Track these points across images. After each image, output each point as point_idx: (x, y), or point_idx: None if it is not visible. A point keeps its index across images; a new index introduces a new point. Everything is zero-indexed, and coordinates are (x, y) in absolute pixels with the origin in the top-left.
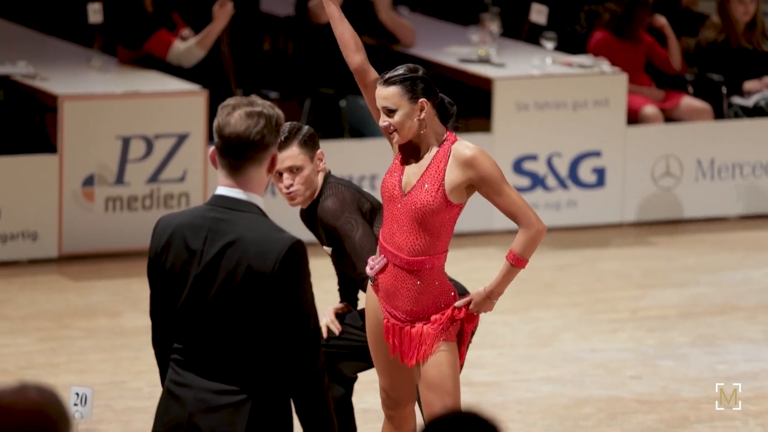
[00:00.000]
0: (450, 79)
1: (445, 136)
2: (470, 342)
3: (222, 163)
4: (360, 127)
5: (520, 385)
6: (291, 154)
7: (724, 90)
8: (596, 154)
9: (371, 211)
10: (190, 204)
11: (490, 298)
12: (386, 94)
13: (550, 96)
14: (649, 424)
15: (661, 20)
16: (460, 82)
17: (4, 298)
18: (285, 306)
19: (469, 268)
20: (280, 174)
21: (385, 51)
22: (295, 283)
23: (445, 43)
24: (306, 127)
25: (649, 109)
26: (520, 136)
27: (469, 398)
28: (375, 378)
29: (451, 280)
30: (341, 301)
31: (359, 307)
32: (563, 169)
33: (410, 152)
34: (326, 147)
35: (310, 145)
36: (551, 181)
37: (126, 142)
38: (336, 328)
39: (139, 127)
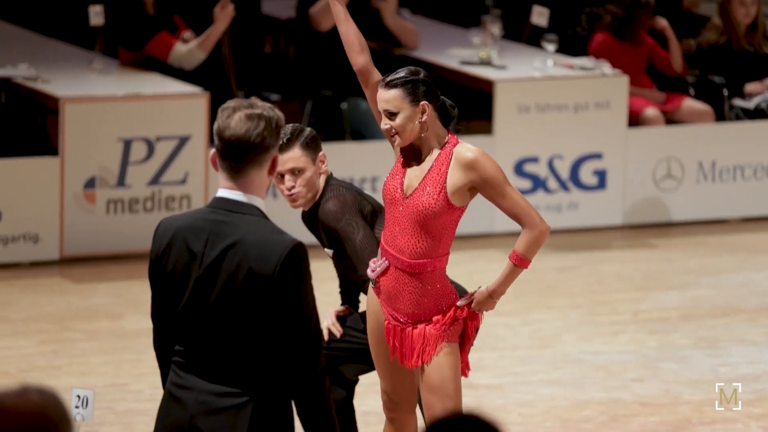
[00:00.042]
0: (451, 81)
1: (447, 138)
2: (474, 338)
3: (223, 166)
4: (361, 130)
5: (521, 388)
6: (293, 156)
7: (725, 92)
8: (597, 156)
9: (372, 214)
10: (191, 206)
11: (492, 297)
12: (387, 97)
13: (551, 98)
14: (650, 426)
15: (662, 22)
16: (461, 85)
17: (5, 300)
18: (286, 308)
19: (471, 270)
20: (282, 176)
21: (387, 55)
22: (296, 285)
23: (447, 46)
24: (308, 129)
25: (650, 111)
26: (521, 138)
27: (471, 401)
28: (376, 381)
29: (453, 282)
30: (342, 304)
31: (360, 310)
32: (564, 172)
33: (412, 155)
34: (327, 149)
35: (312, 147)
36: (552, 183)
37: (127, 145)
38: (337, 331)
39: (141, 129)
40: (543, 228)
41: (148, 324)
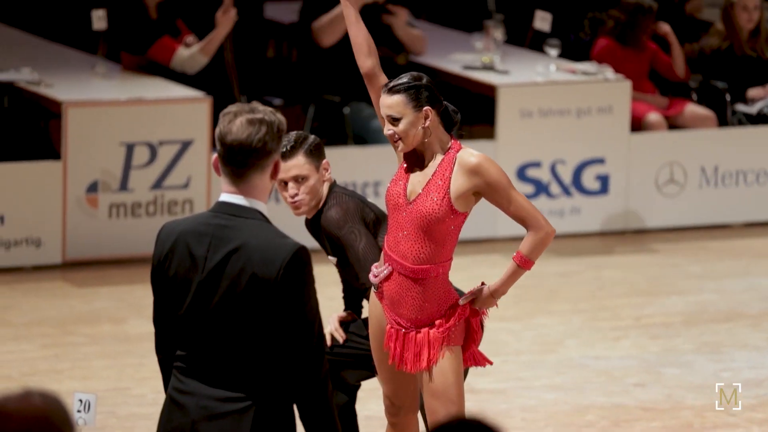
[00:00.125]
0: (454, 86)
1: (450, 144)
2: (482, 333)
3: (225, 171)
4: (363, 134)
5: (524, 393)
6: (296, 164)
7: (728, 97)
8: (600, 161)
9: (375, 222)
10: (193, 210)
11: (493, 297)
12: (390, 103)
13: (553, 103)
14: (653, 431)
15: (665, 27)
16: (463, 89)
17: (7, 304)
18: (289, 312)
19: (474, 275)
20: (285, 183)
21: (390, 62)
22: (300, 289)
23: (449, 51)
24: (312, 137)
25: (653, 117)
26: (523, 143)
27: (473, 405)
28: (378, 385)
29: (455, 288)
30: (345, 309)
31: (363, 316)
32: (567, 176)
33: (415, 160)
34: (330, 154)
35: (316, 154)
36: (555, 188)
37: (130, 149)
38: (340, 336)
39: (143, 133)
40: (548, 230)
41: (151, 328)
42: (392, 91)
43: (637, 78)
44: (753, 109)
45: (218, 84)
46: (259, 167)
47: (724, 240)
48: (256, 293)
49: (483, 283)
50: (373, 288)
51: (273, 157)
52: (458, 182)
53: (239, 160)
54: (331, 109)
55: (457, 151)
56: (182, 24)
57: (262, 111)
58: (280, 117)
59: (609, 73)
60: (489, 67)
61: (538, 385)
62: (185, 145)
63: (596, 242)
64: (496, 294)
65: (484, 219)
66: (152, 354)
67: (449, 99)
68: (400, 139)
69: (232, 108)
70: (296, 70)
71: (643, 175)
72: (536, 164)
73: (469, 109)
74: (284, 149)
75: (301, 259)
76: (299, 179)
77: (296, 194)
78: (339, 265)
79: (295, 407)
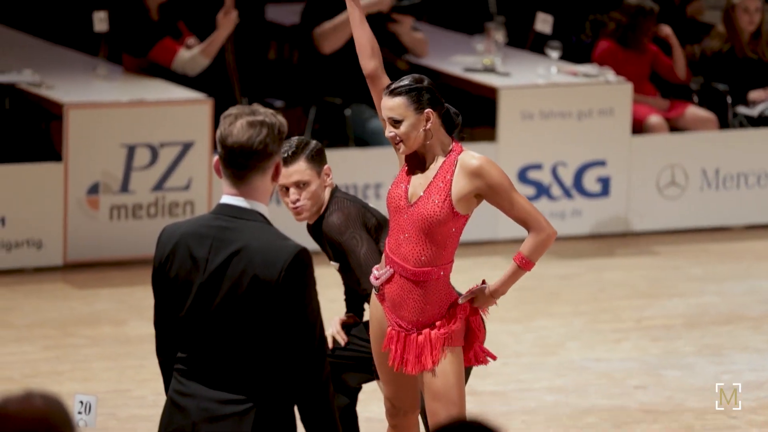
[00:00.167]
0: (455, 88)
1: (451, 146)
2: (485, 330)
3: (226, 173)
4: (364, 136)
5: (525, 395)
6: (298, 169)
7: (729, 99)
8: (601, 163)
9: (377, 227)
10: (194, 212)
11: (492, 296)
12: (392, 105)
13: (555, 105)
14: None
15: (666, 30)
16: (464, 92)
17: (9, 305)
18: (290, 314)
19: (475, 277)
20: (287, 189)
21: (390, 66)
22: (301, 291)
23: (450, 53)
24: (314, 142)
25: (654, 119)
26: (524, 145)
27: (474, 407)
28: (379, 387)
29: (457, 291)
30: (347, 312)
31: (365, 319)
32: (568, 179)
33: (416, 163)
34: (331, 156)
35: (317, 160)
36: (556, 190)
37: (131, 151)
38: (342, 339)
39: (144, 135)
40: (550, 232)
41: (151, 330)
42: (393, 93)
43: (638, 80)
44: (754, 112)
45: (219, 86)
46: (260, 169)
47: (725, 242)
48: (257, 295)
49: (483, 282)
50: (374, 290)
51: (274, 159)
52: (460, 184)
53: (240, 163)
54: (333, 111)
55: (459, 154)
56: (183, 26)
57: (263, 113)
58: (281, 119)
59: (610, 75)
60: (490, 70)
61: (538, 387)
62: (186, 147)
63: (597, 244)
64: (495, 294)
65: (485, 221)
66: (153, 356)
67: (450, 101)
68: (401, 141)
69: (232, 110)
70: (297, 72)
71: (644, 178)
72: (537, 166)
73: (470, 111)
74: (285, 155)
75: (302, 261)
76: (301, 185)
77: (298, 200)
78: (341, 271)
79: (296, 409)
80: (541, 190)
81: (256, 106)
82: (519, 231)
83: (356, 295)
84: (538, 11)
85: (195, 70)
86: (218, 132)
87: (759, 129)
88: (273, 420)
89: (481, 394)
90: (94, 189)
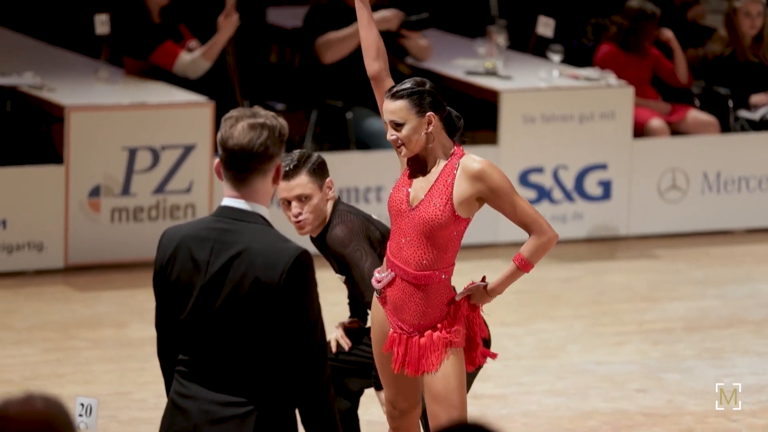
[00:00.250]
0: (456, 91)
1: (453, 149)
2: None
3: (227, 175)
4: (366, 139)
5: (525, 398)
6: (300, 183)
7: (730, 103)
8: (602, 166)
9: (381, 240)
10: (196, 215)
11: (489, 295)
12: (393, 108)
13: (556, 108)
14: None
15: (668, 34)
16: (466, 95)
17: (10, 308)
18: (291, 317)
19: (476, 280)
20: (289, 202)
21: (392, 70)
22: (302, 293)
23: (452, 56)
24: (315, 155)
25: (656, 122)
26: (526, 148)
27: (475, 411)
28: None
29: None
30: (351, 317)
31: (368, 324)
32: (569, 182)
33: (418, 166)
34: (332, 159)
35: (319, 173)
36: (557, 193)
37: (132, 153)
38: (345, 344)
39: (146, 138)
40: (551, 235)
41: (153, 333)
42: (395, 96)
43: (639, 84)
44: (756, 116)
45: (221, 89)
46: (261, 172)
47: (726, 246)
48: (258, 297)
49: (483, 278)
50: (375, 293)
51: (275, 162)
52: (461, 188)
53: (241, 165)
54: (334, 114)
55: (460, 157)
56: (185, 29)
57: (264, 115)
58: (281, 121)
59: (612, 78)
60: (492, 73)
61: (539, 390)
62: (187, 150)
63: (598, 248)
64: (492, 292)
65: (486, 224)
66: (154, 358)
67: (452, 104)
68: (403, 144)
69: (233, 113)
70: (299, 75)
71: (646, 181)
72: (539, 170)
73: (472, 115)
74: (287, 168)
75: (303, 264)
76: (302, 198)
77: (300, 213)
78: (347, 282)
79: (297, 411)
80: (543, 194)
81: (257, 109)
82: (520, 234)
83: (360, 302)
84: (540, 15)
85: (196, 73)
86: (219, 134)
87: (760, 133)
88: (274, 422)
89: (482, 397)
90: (95, 192)
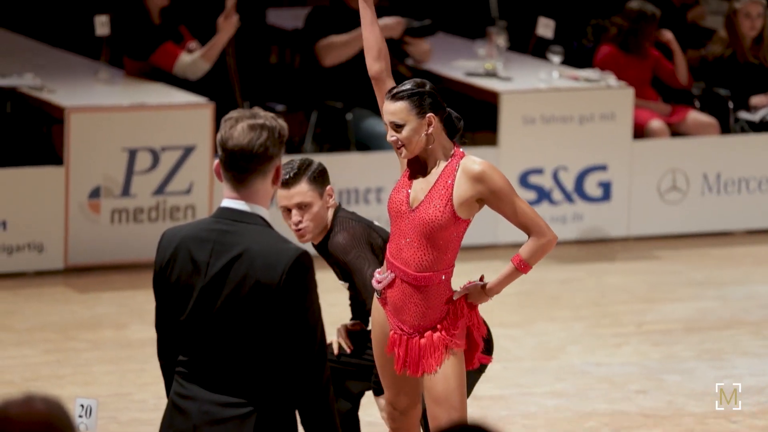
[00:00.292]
0: (457, 92)
1: (453, 150)
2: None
3: (226, 176)
4: (366, 140)
5: (525, 399)
6: (300, 191)
7: (730, 105)
8: (602, 167)
9: (382, 248)
10: (196, 216)
11: (486, 294)
12: (394, 109)
13: (556, 110)
14: None
15: (668, 35)
16: (466, 96)
17: (10, 309)
18: (291, 318)
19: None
20: (289, 210)
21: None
22: (302, 294)
23: (452, 57)
24: (316, 163)
25: (656, 124)
26: (526, 149)
27: (475, 412)
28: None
29: None
30: (353, 319)
31: (370, 326)
32: (569, 183)
33: (418, 167)
34: (332, 160)
35: (319, 181)
36: (557, 194)
37: (132, 154)
38: (347, 347)
39: (146, 139)
40: (551, 237)
41: (153, 334)
42: (395, 97)
43: (639, 85)
44: (756, 117)
45: (221, 90)
46: (260, 172)
47: (726, 247)
48: (258, 299)
49: (482, 277)
50: (376, 294)
51: (274, 162)
52: (461, 189)
53: (241, 166)
54: (334, 115)
55: (461, 158)
56: (185, 30)
57: (264, 116)
58: (281, 122)
59: (612, 80)
60: (492, 74)
61: (539, 391)
62: (187, 151)
63: (598, 249)
64: (489, 292)
65: (485, 225)
66: (154, 359)
67: (452, 105)
68: (403, 145)
69: (233, 113)
70: (299, 76)
71: (646, 182)
72: (539, 171)
73: (472, 116)
74: (287, 176)
75: (303, 265)
76: (303, 206)
77: (300, 221)
78: (350, 289)
79: (297, 412)
80: (543, 195)
81: (257, 110)
82: (519, 235)
83: (362, 305)
84: (540, 16)
85: (196, 74)
86: (219, 135)
87: (760, 134)
88: (274, 423)
89: (482, 399)
90: (95, 193)
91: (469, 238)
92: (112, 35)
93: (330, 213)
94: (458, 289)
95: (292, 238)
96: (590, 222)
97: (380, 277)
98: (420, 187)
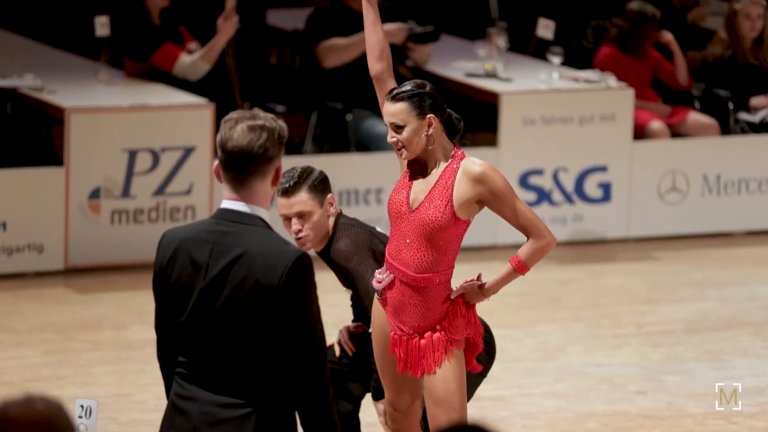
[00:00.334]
0: (457, 93)
1: (453, 151)
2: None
3: (226, 177)
4: (366, 141)
5: (525, 400)
6: (300, 200)
7: (730, 106)
8: (602, 168)
9: (384, 253)
10: (196, 217)
11: (483, 294)
12: (394, 110)
13: (556, 111)
14: None
15: (668, 36)
16: (466, 97)
17: (10, 310)
18: (291, 319)
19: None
20: (289, 219)
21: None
22: (302, 296)
23: (452, 58)
24: (317, 171)
25: (656, 125)
26: (526, 150)
27: (474, 413)
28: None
29: None
30: (354, 321)
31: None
32: (569, 184)
33: (418, 168)
34: (332, 161)
35: (320, 189)
36: (557, 195)
37: (132, 155)
38: (349, 349)
39: (146, 140)
40: (550, 239)
41: (153, 334)
42: (395, 98)
43: (639, 86)
44: (756, 118)
45: (221, 91)
46: (260, 174)
47: (726, 248)
48: (258, 300)
49: (479, 276)
50: (376, 294)
51: (274, 164)
52: (461, 190)
53: (240, 167)
54: (334, 116)
55: (461, 159)
56: (185, 31)
57: (263, 117)
58: (281, 123)
59: (612, 81)
60: (492, 75)
61: (538, 392)
62: (187, 152)
63: (598, 250)
64: (486, 292)
65: (485, 226)
66: (154, 360)
67: (452, 106)
68: (403, 146)
69: (233, 115)
70: (299, 77)
71: (646, 183)
72: (538, 172)
73: (472, 117)
74: (287, 185)
75: (302, 266)
76: (303, 215)
77: (300, 230)
78: (353, 296)
79: (296, 413)
80: (543, 196)
81: (257, 111)
82: (519, 236)
83: (365, 311)
84: (540, 17)
85: (196, 75)
86: (218, 136)
87: (760, 135)
88: (274, 424)
89: (481, 399)
90: (95, 194)
91: (469, 239)
92: (112, 36)
93: (331, 221)
94: (455, 288)
95: (292, 239)
96: (590, 223)
97: (380, 277)
98: (420, 188)
